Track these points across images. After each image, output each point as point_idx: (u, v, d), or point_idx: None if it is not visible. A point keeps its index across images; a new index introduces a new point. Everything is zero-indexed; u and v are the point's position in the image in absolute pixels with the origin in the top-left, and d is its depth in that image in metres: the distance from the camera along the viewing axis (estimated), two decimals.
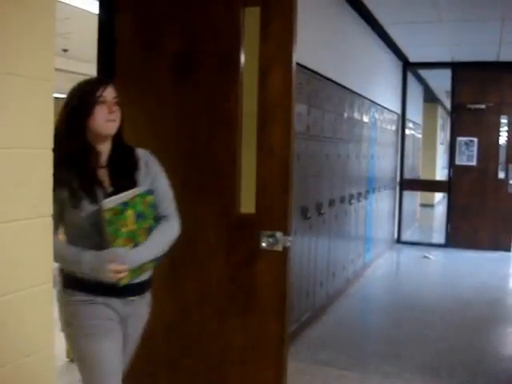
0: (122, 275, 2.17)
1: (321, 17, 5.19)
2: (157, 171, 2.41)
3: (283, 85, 2.78)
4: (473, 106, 9.41)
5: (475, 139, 9.41)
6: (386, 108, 8.24)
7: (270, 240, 2.72)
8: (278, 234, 2.71)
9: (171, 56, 3.01)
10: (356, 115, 6.46)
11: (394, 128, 9.11)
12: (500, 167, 9.40)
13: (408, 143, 10.32)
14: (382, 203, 8.30)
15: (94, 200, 2.19)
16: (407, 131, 10.18)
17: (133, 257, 2.21)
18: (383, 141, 8.18)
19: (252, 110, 2.86)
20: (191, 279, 2.98)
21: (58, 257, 2.07)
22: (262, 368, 2.88)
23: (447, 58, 9.26)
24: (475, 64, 9.33)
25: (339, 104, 5.75)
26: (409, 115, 10.19)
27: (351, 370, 4.19)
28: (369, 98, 7.05)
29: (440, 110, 15.63)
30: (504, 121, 9.45)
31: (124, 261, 2.16)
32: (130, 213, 2.19)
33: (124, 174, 2.31)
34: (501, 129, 9.46)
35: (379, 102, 7.73)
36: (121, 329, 2.33)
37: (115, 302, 2.29)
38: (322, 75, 5.09)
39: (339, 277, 6.00)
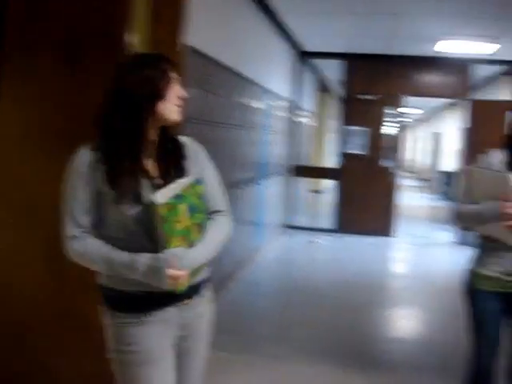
0: (180, 280, 1.87)
1: (216, 3, 5.17)
2: (205, 160, 2.15)
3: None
4: (363, 97, 9.75)
5: (364, 128, 9.77)
6: (279, 95, 8.36)
7: None
8: None
9: (57, 43, 2.90)
10: (249, 102, 6.52)
11: (287, 115, 9.26)
12: (385, 156, 9.81)
13: (300, 131, 10.55)
14: (273, 189, 8.45)
15: (142, 195, 1.90)
16: (300, 119, 10.40)
17: (192, 258, 1.92)
18: (276, 128, 8.31)
19: None
20: None
21: (103, 263, 1.89)
22: None
23: (340, 49, 9.52)
24: (366, 56, 9.67)
25: (232, 90, 5.78)
26: (302, 103, 10.40)
27: (239, 354, 4.26)
28: (263, 85, 7.13)
29: (332, 99, 16.06)
30: (390, 111, 9.87)
31: (183, 263, 1.87)
32: (183, 206, 1.89)
33: (173, 164, 2.00)
34: (386, 119, 9.87)
35: (273, 90, 7.83)
36: (178, 345, 2.07)
37: (170, 313, 2.00)
38: (216, 61, 5.08)
39: (229, 262, 6.05)
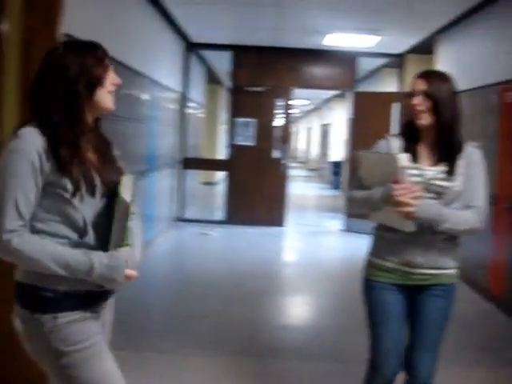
0: (132, 279, 1.92)
1: None
2: None
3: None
4: (251, 89, 9.83)
5: (253, 120, 9.86)
6: (167, 87, 8.26)
7: None
8: None
9: None
10: (136, 93, 6.39)
11: (175, 107, 9.18)
12: (275, 147, 9.96)
13: (190, 122, 10.49)
14: (163, 182, 8.35)
15: (104, 188, 1.89)
16: (189, 111, 10.34)
17: (137, 257, 1.97)
18: (164, 120, 8.21)
19: (16, 84, 2.68)
20: None
21: (50, 261, 1.75)
22: None
23: (228, 41, 9.55)
24: (254, 48, 9.75)
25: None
26: (191, 95, 10.35)
27: (128, 350, 4.15)
28: (150, 76, 7.01)
29: (222, 91, 16.10)
30: (280, 103, 10.02)
31: (134, 263, 1.92)
32: (133, 204, 1.95)
33: (111, 157, 2.06)
34: (276, 111, 10.02)
35: (161, 81, 7.72)
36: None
37: (100, 309, 2.01)
38: None
39: None
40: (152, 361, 4.03)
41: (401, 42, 8.73)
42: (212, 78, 13.96)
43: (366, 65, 10.67)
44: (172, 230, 9.05)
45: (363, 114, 9.51)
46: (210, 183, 15.13)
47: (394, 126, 9.14)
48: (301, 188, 17.41)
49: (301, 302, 6.01)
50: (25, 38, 2.68)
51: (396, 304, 2.58)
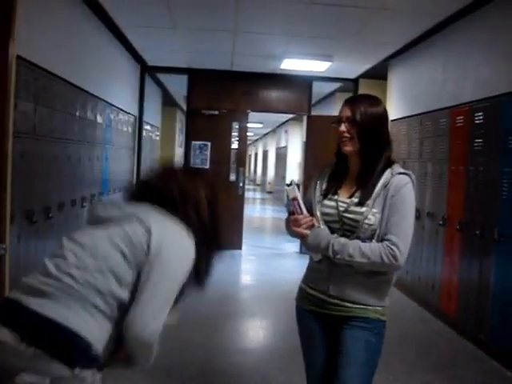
0: None
1: (53, 14, 4.98)
2: None
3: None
4: (207, 112, 9.86)
5: (209, 143, 9.88)
6: (122, 110, 8.23)
7: None
8: None
9: None
10: (89, 116, 6.34)
11: (130, 130, 9.13)
12: (231, 170, 10.00)
13: (146, 145, 10.44)
14: None
15: None
16: (145, 133, 10.30)
17: None
18: (119, 143, 8.15)
19: None
20: None
21: None
22: None
23: (184, 64, 9.57)
24: (210, 71, 9.80)
25: (71, 104, 5.58)
26: (146, 118, 10.31)
27: None
28: (104, 99, 6.96)
29: (179, 114, 16.09)
30: (236, 127, 10.08)
31: None
32: None
33: None
34: (233, 134, 10.07)
35: (115, 104, 7.68)
36: None
37: None
38: (52, 73, 4.88)
39: None
40: None
41: (354, 67, 8.91)
42: (168, 101, 13.95)
43: (320, 89, 10.83)
44: None
45: (317, 137, 9.63)
46: None
47: None
48: (257, 210, 17.47)
49: (256, 325, 5.99)
50: None
51: (320, 333, 2.56)
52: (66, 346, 1.69)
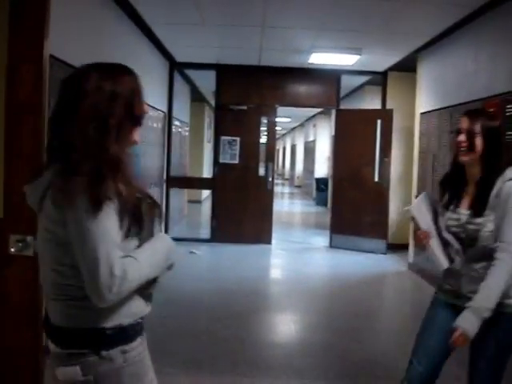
0: None
1: (84, 13, 5.05)
2: None
3: (34, 82, 2.65)
4: (235, 107, 9.89)
5: (238, 138, 9.90)
6: (152, 107, 8.29)
7: (20, 245, 2.58)
8: (29, 239, 2.58)
9: None
10: None
11: (160, 126, 9.20)
12: (260, 165, 10.01)
13: (175, 141, 10.52)
14: None
15: None
16: (174, 129, 10.37)
17: None
18: (149, 139, 8.22)
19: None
20: None
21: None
22: (18, 380, 2.74)
23: (212, 60, 9.61)
24: (238, 67, 9.82)
25: None
26: (176, 114, 10.38)
27: None
28: None
29: (207, 109, 16.17)
30: (264, 121, 10.09)
31: None
32: None
33: None
34: (261, 129, 10.08)
35: (145, 99, 7.73)
36: None
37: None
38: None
39: None
40: None
41: (383, 59, 8.85)
42: (197, 97, 14.02)
43: (349, 82, 10.78)
44: None
45: (346, 131, 9.60)
46: (195, 201, 15.13)
47: (378, 143, 9.23)
48: (286, 205, 17.47)
49: (287, 319, 6.01)
50: (10, 64, 2.69)
51: (444, 318, 2.73)
52: (79, 341, 1.75)
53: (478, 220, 2.59)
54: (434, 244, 2.73)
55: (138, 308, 1.83)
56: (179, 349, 4.69)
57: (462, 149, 2.64)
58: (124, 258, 1.65)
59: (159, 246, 1.85)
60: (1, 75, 2.68)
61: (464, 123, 2.65)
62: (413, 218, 2.80)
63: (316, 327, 5.60)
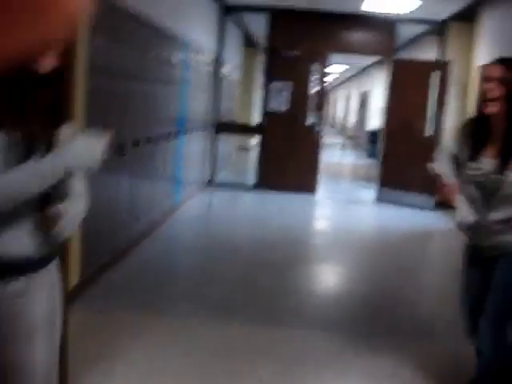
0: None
1: None
2: None
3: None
4: (287, 53, 9.65)
5: (287, 85, 9.70)
6: (201, 49, 8.16)
7: None
8: None
9: None
10: (167, 55, 6.30)
11: (209, 70, 9.07)
12: (309, 114, 9.81)
13: (225, 86, 10.38)
14: (194, 145, 8.31)
15: None
16: (223, 73, 10.21)
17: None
18: (197, 82, 8.12)
19: None
20: None
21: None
22: None
23: (265, 3, 9.35)
24: (291, 11, 9.54)
25: (148, 42, 5.55)
26: (226, 58, 10.21)
27: (145, 314, 4.18)
28: (183, 38, 6.91)
29: (259, 55, 15.88)
30: (315, 69, 9.82)
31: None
32: None
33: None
34: (312, 76, 9.83)
35: (195, 43, 7.61)
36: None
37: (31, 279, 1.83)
38: (129, 11, 4.85)
39: (144, 219, 5.93)
40: (174, 325, 4.02)
41: (443, 7, 8.42)
42: (250, 42, 13.78)
43: (405, 32, 10.36)
44: (203, 193, 9.03)
45: (400, 83, 9.27)
46: (244, 148, 15.06)
47: (433, 95, 8.90)
48: (336, 156, 17.23)
49: (327, 270, 5.94)
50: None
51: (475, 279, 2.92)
52: None
53: (502, 169, 2.56)
54: (460, 198, 2.74)
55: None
56: (214, 294, 4.68)
57: (489, 97, 2.53)
58: None
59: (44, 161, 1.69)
60: None
61: (495, 71, 2.52)
62: (437, 175, 2.80)
63: (356, 281, 5.51)
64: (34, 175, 1.66)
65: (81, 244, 4.29)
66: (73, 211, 1.80)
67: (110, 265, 4.95)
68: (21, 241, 1.72)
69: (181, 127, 7.22)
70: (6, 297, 1.75)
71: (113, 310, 4.18)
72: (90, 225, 4.34)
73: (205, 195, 8.98)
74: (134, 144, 5.30)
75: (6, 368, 1.80)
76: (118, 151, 4.83)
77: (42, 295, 1.83)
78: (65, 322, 2.76)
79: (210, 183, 9.70)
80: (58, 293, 1.92)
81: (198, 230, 7.14)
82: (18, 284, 1.75)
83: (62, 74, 1.76)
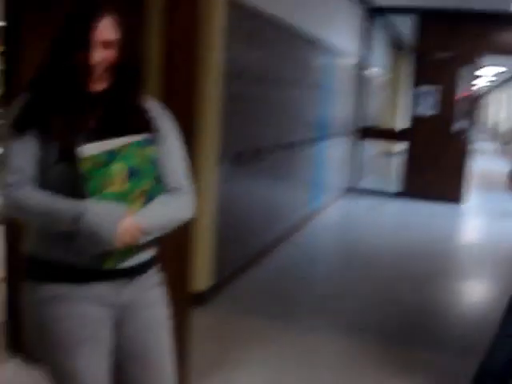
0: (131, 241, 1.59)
1: None
2: (168, 128, 1.78)
3: (189, 21, 2.54)
4: (436, 56, 9.20)
5: (436, 89, 9.24)
6: (345, 52, 8.00)
7: None
8: None
9: None
10: (308, 58, 6.21)
11: (353, 74, 8.87)
12: (458, 118, 9.28)
13: (369, 90, 10.11)
14: (335, 150, 8.15)
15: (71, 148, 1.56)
16: (369, 78, 9.95)
17: (147, 220, 1.63)
18: (340, 86, 7.96)
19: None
20: None
21: (35, 213, 1.57)
22: None
23: (414, 4, 8.98)
24: (442, 12, 9.09)
25: (286, 46, 5.49)
26: (372, 61, 9.95)
27: (273, 321, 4.10)
28: (326, 41, 6.79)
29: (406, 58, 15.38)
30: (465, 71, 9.28)
31: (140, 221, 1.60)
32: (118, 167, 1.56)
33: (118, 118, 1.68)
34: (462, 80, 9.29)
35: (338, 47, 7.47)
36: (112, 328, 1.74)
37: (103, 289, 1.68)
38: (267, 14, 4.81)
39: (281, 224, 5.88)
40: (296, 334, 3.91)
41: None
42: (397, 44, 13.37)
43: None
44: (344, 200, 8.84)
45: None
46: (388, 154, 14.63)
47: None
48: (488, 163, 16.24)
49: (474, 289, 5.52)
50: (168, 2, 2.59)
51: None
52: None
53: None
54: None
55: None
56: (343, 308, 4.50)
57: None
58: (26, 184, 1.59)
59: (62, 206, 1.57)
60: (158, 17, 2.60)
61: None
62: None
63: (499, 299, 5.06)
64: (50, 212, 1.57)
65: (214, 249, 4.31)
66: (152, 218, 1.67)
67: (244, 270, 4.94)
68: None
69: (322, 132, 7.10)
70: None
71: (240, 316, 4.17)
72: (225, 230, 4.35)
73: (345, 202, 8.79)
74: (272, 149, 5.25)
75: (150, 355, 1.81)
76: (257, 156, 4.81)
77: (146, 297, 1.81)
78: (187, 326, 2.76)
79: (352, 190, 9.48)
80: (158, 294, 1.85)
81: (336, 238, 6.97)
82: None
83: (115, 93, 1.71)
